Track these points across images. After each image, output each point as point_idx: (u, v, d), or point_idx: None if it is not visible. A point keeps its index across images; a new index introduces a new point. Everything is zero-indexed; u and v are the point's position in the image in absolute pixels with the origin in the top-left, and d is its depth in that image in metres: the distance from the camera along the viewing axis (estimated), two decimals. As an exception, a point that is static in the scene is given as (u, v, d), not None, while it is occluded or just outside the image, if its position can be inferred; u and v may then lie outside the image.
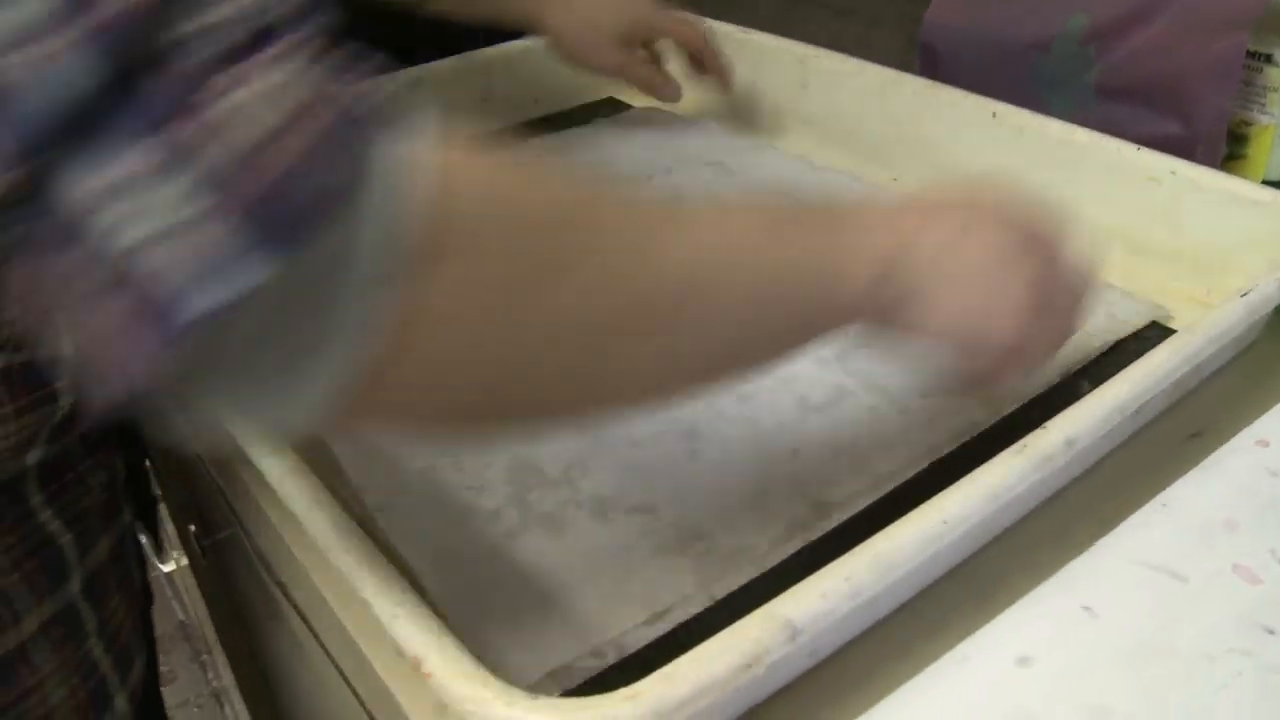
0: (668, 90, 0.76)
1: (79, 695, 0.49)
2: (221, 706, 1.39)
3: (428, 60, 0.78)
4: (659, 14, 0.75)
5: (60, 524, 0.48)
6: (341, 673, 0.46)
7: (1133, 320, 0.54)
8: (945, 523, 0.37)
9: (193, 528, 0.66)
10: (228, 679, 1.29)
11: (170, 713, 0.70)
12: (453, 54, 0.80)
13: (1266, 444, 0.46)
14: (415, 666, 0.33)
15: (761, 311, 0.36)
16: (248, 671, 0.84)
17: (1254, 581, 0.40)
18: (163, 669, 1.45)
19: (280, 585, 0.52)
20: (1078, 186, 0.62)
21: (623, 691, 0.31)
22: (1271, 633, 0.38)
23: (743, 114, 0.79)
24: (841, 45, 0.75)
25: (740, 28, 0.80)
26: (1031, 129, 0.63)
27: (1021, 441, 0.40)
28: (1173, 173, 0.58)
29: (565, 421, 0.38)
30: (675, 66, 0.78)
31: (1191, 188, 0.57)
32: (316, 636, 0.48)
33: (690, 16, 0.76)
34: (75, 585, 0.49)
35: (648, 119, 0.80)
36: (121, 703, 0.52)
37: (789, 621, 0.33)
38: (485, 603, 0.41)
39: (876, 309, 0.38)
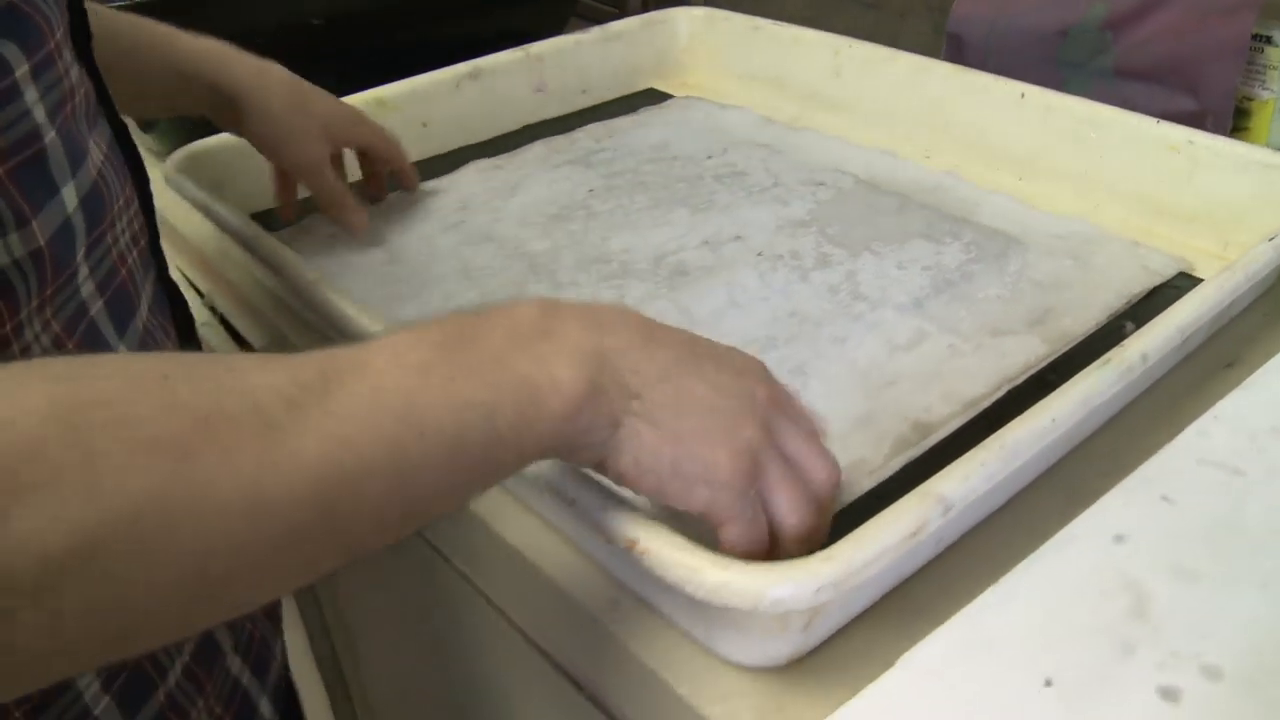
0: (357, 218, 0.67)
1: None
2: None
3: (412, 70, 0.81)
4: (357, 124, 0.69)
5: None
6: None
7: (1164, 271, 0.62)
8: (1053, 421, 0.43)
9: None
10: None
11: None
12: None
13: (1297, 367, 0.54)
14: (630, 547, 0.39)
15: (439, 472, 0.33)
16: (322, 644, 0.89)
17: (1302, 473, 0.47)
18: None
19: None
20: (1103, 158, 0.69)
21: (819, 555, 0.37)
22: (1322, 511, 0.45)
23: (777, 102, 0.86)
24: (870, 37, 0.82)
25: (773, 20, 0.86)
26: (1058, 108, 0.70)
27: (1105, 356, 0.47)
28: (1190, 142, 0.65)
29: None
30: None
31: (1208, 154, 0.65)
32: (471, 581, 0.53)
33: (384, 131, 0.71)
34: None
35: (688, 106, 0.86)
36: (265, 706, 0.52)
37: (943, 497, 0.39)
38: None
39: (581, 430, 0.36)
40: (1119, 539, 0.44)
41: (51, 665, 0.27)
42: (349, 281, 0.63)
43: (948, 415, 0.51)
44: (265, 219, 0.73)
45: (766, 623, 0.39)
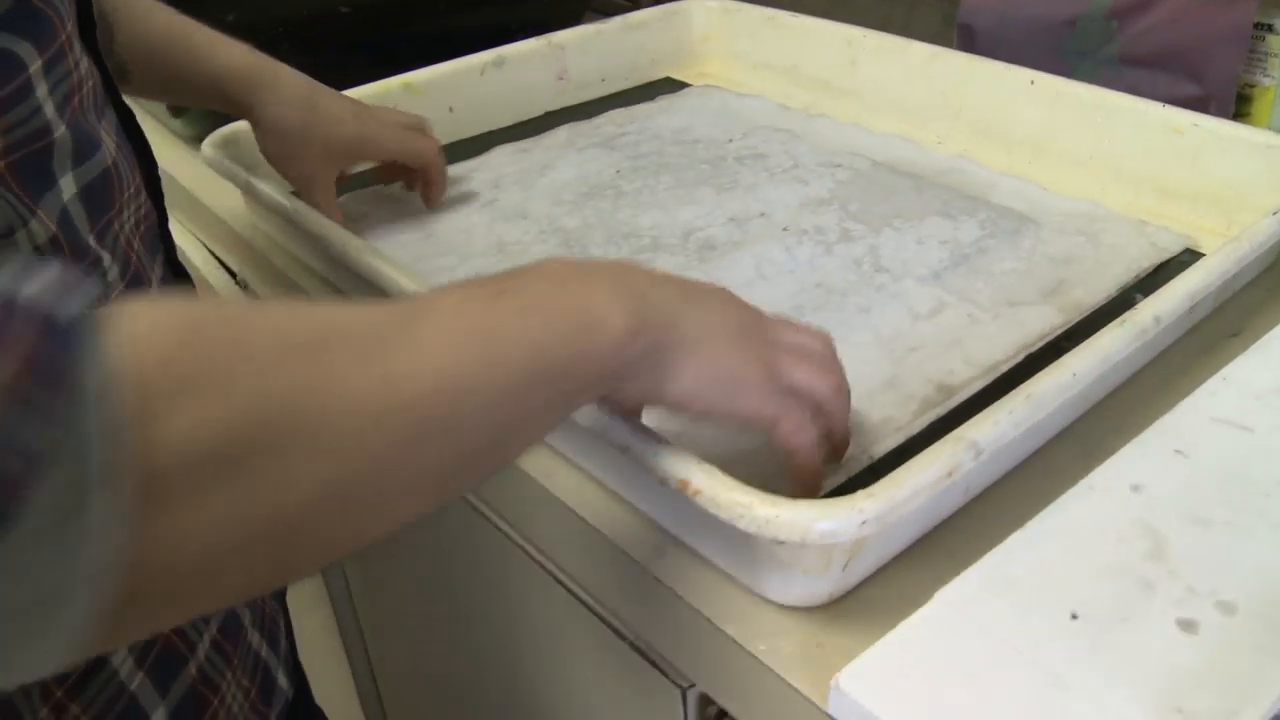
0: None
1: (252, 693, 0.50)
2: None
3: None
4: (363, 144, 0.68)
5: None
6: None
7: (1171, 247, 0.64)
8: (1074, 375, 0.46)
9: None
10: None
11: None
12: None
13: (1298, 334, 0.56)
14: (683, 488, 0.41)
15: (523, 393, 0.35)
16: (346, 614, 0.91)
17: (1307, 429, 0.50)
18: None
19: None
20: (1110, 142, 0.72)
21: (861, 492, 0.39)
22: (1327, 463, 0.48)
23: (792, 91, 0.89)
24: (882, 28, 0.84)
25: (789, 12, 0.89)
26: (1066, 94, 0.73)
27: (1121, 318, 0.49)
28: (1195, 125, 0.68)
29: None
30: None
31: (1211, 137, 0.67)
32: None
33: (403, 147, 0.70)
34: None
35: (706, 94, 0.88)
36: (283, 679, 0.54)
37: (974, 441, 0.42)
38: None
39: (633, 361, 0.38)
40: (1136, 488, 0.47)
41: (199, 588, 0.28)
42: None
43: (969, 378, 0.54)
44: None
45: (810, 560, 0.41)
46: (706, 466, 0.41)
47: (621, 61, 0.91)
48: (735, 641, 0.43)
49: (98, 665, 0.43)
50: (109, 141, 0.45)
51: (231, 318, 0.29)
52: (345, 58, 0.72)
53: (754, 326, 0.43)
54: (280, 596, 0.58)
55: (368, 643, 0.92)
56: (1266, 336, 0.57)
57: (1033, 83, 0.75)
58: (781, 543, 0.39)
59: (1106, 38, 0.75)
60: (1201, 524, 0.45)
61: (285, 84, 0.66)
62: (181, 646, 0.46)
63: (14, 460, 0.22)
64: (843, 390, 0.45)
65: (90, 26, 0.46)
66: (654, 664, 0.50)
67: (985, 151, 0.78)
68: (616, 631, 0.52)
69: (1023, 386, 0.45)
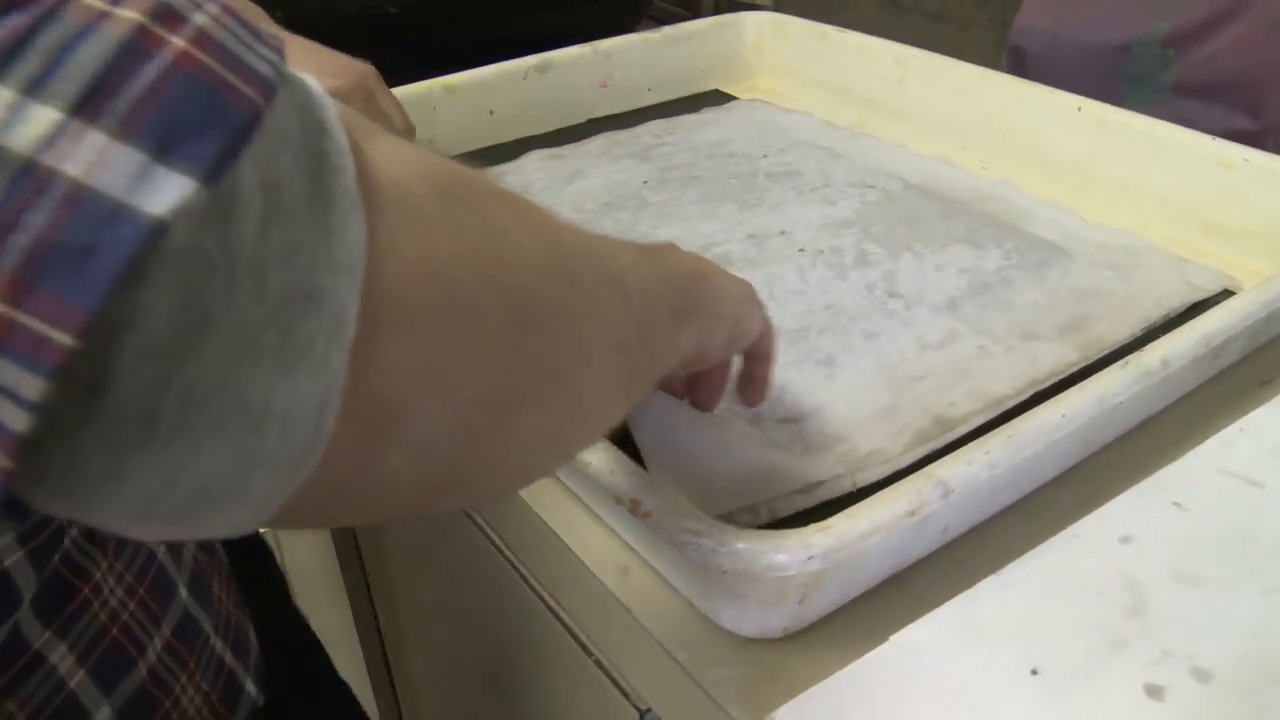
0: None
1: (213, 697, 0.50)
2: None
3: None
4: (358, 97, 0.67)
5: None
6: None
7: (1207, 287, 0.61)
8: (1064, 416, 0.44)
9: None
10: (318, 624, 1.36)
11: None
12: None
13: (1331, 386, 0.53)
14: (634, 508, 0.40)
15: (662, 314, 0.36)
16: (363, 612, 0.92)
17: (1322, 489, 0.47)
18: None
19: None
20: (1157, 173, 0.69)
21: (815, 525, 0.38)
22: (1338, 526, 0.45)
23: (840, 108, 0.87)
24: (933, 48, 0.82)
25: (838, 28, 0.87)
26: (1113, 122, 0.70)
27: (1125, 359, 0.47)
28: (1245, 160, 0.65)
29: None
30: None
31: (1262, 173, 0.64)
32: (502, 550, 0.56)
33: (402, 114, 0.71)
34: (183, 592, 0.49)
35: (752, 108, 0.87)
36: (251, 686, 0.53)
37: (943, 480, 0.40)
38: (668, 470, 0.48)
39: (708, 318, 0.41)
40: (1125, 540, 0.45)
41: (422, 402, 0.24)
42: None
43: (970, 412, 0.52)
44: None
45: (763, 591, 0.40)
46: (662, 489, 0.40)
47: (669, 72, 0.91)
48: (684, 669, 0.42)
49: (35, 661, 0.42)
50: None
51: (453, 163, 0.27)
52: (392, 58, 0.72)
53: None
54: (244, 610, 0.57)
55: (385, 643, 0.93)
56: (1295, 387, 0.54)
57: (1079, 109, 0.72)
58: (726, 572, 0.38)
59: (1162, 65, 0.72)
60: (1189, 582, 0.43)
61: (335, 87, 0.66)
62: (130, 648, 0.46)
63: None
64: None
65: None
66: (616, 684, 0.49)
67: (1029, 177, 0.75)
68: (584, 648, 0.51)
69: (1006, 426, 0.43)
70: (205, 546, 0.54)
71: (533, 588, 0.55)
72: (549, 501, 0.50)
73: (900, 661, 0.40)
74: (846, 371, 0.54)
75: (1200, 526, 0.45)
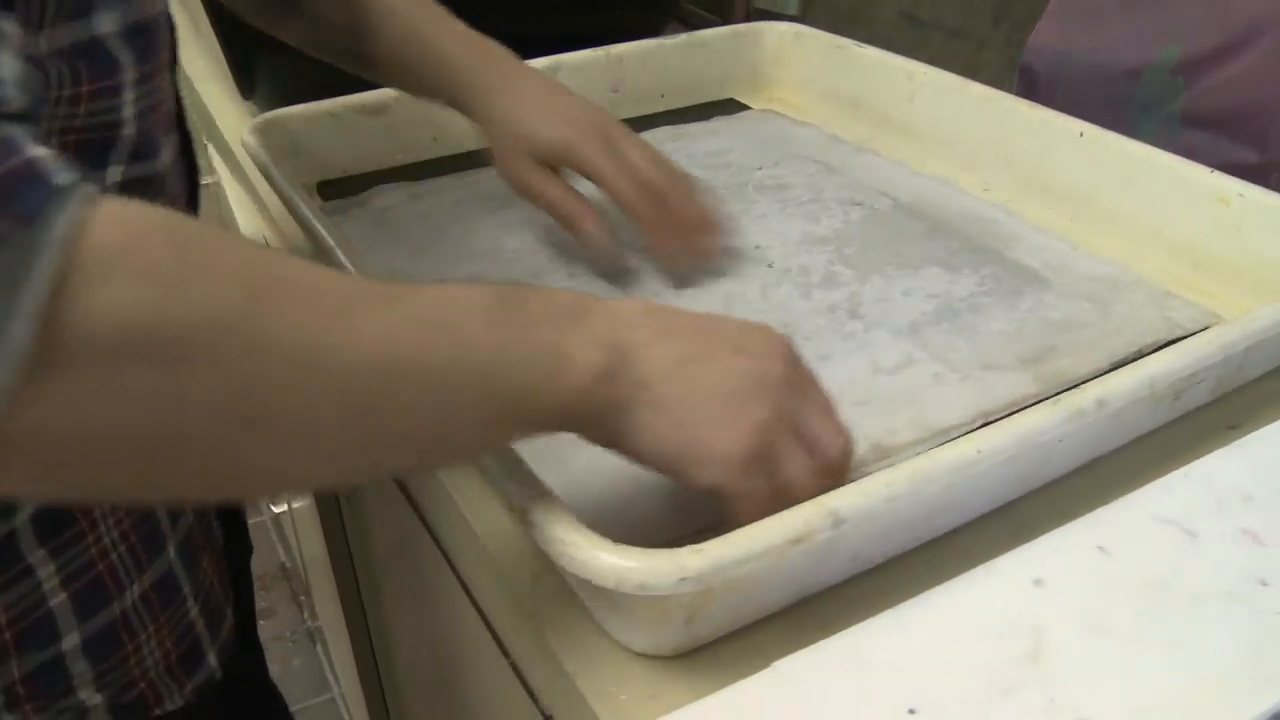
0: (585, 226, 0.62)
1: (172, 656, 0.52)
2: (314, 643, 1.50)
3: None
4: (568, 150, 0.61)
5: None
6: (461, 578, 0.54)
7: (1188, 325, 0.59)
8: (979, 452, 0.43)
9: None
10: (324, 617, 1.39)
11: (266, 644, 0.77)
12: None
13: (1296, 435, 0.51)
14: (520, 517, 0.40)
15: (465, 401, 0.35)
16: (352, 605, 0.93)
17: (1259, 543, 0.45)
18: (262, 605, 1.56)
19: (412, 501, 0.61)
20: (1154, 204, 0.67)
21: (689, 547, 0.38)
22: (1265, 584, 0.43)
23: (851, 123, 0.86)
24: (952, 65, 0.81)
25: (855, 42, 0.86)
26: (1114, 148, 0.68)
27: (1057, 396, 0.46)
28: (1241, 195, 0.62)
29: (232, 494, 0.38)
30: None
31: (1257, 210, 0.62)
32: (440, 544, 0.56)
33: (651, 159, 0.62)
34: (171, 552, 0.52)
35: (763, 119, 0.86)
36: (213, 659, 0.55)
37: (834, 510, 0.40)
38: (574, 496, 0.47)
39: (593, 411, 0.39)
40: (1038, 582, 0.43)
41: (95, 459, 0.29)
42: (386, 250, 0.67)
43: (910, 441, 0.51)
44: (337, 185, 0.78)
45: (646, 609, 0.40)
46: (551, 499, 0.40)
47: (683, 79, 0.91)
48: (570, 679, 0.42)
49: (25, 573, 0.46)
50: (167, 155, 0.49)
51: (217, 237, 0.31)
52: None
53: (767, 392, 0.40)
54: (226, 585, 0.59)
55: (374, 645, 0.94)
56: (1258, 434, 0.52)
57: (1081, 134, 0.70)
58: (596, 588, 0.38)
59: (1172, 94, 0.69)
60: (1094, 631, 0.41)
61: (517, 85, 0.63)
62: (110, 585, 0.49)
63: None
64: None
65: (174, 62, 0.51)
66: (526, 687, 0.49)
67: (1028, 202, 0.74)
68: (503, 650, 0.51)
69: (914, 459, 0.42)
70: (204, 524, 0.56)
71: (465, 588, 0.55)
72: (475, 503, 0.50)
73: (776, 688, 0.39)
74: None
75: (1120, 573, 0.44)
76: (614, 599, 0.40)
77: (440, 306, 0.36)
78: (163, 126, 0.48)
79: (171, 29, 0.49)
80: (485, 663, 0.55)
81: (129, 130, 0.44)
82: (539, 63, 0.85)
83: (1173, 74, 0.69)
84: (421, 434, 0.36)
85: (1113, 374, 0.47)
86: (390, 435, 0.35)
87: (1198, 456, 0.51)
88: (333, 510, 0.89)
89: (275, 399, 0.31)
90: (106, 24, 0.41)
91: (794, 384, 0.42)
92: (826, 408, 0.43)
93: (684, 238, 0.62)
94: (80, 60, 0.40)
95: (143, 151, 0.46)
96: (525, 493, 0.41)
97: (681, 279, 0.63)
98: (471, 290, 0.37)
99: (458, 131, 0.82)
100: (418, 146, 0.82)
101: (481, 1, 0.81)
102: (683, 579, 0.37)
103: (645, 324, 0.40)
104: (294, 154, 0.78)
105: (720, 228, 0.63)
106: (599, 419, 0.39)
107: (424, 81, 0.65)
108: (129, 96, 0.44)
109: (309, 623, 1.53)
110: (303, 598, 1.55)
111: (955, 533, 0.48)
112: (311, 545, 1.15)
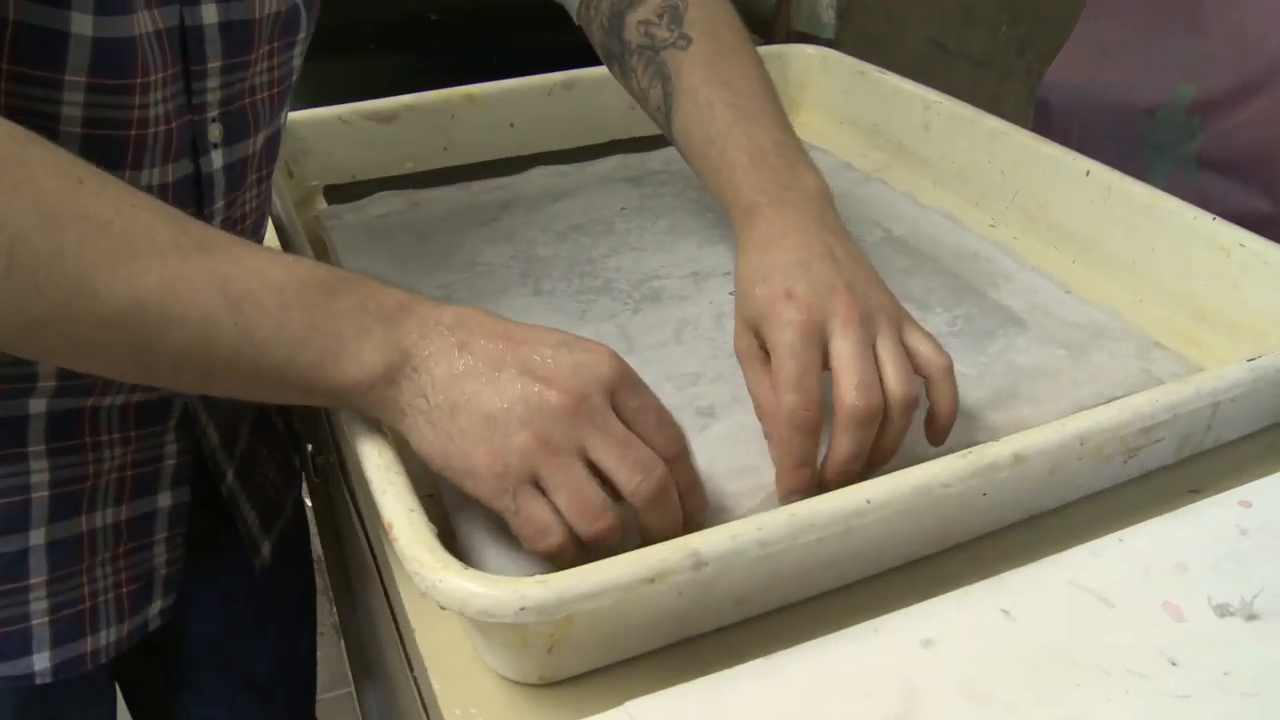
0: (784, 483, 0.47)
1: (124, 591, 0.55)
2: (340, 637, 1.52)
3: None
4: (779, 328, 0.47)
5: None
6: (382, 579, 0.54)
7: (1165, 380, 0.56)
8: (868, 501, 0.41)
9: (310, 446, 0.76)
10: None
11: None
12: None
13: (1249, 505, 0.47)
14: (389, 529, 0.40)
15: (234, 359, 0.39)
16: (342, 601, 0.94)
17: (1178, 620, 0.42)
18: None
19: (353, 496, 0.61)
20: (1154, 250, 0.64)
21: (536, 577, 0.37)
22: (1174, 664, 0.40)
23: (868, 150, 0.84)
24: (976, 94, 0.78)
25: (876, 68, 0.84)
26: (1119, 189, 0.65)
27: (969, 448, 0.43)
28: (1241, 245, 0.58)
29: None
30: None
31: (1257, 262, 0.58)
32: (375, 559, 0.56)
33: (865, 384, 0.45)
34: (165, 497, 0.56)
35: (778, 143, 0.85)
36: (156, 609, 0.57)
37: (695, 551, 0.38)
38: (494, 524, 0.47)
39: (372, 407, 0.42)
40: (927, 643, 0.41)
41: None
42: (368, 257, 0.68)
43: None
44: (345, 190, 0.79)
45: (504, 634, 0.39)
46: (415, 515, 0.40)
47: (705, 99, 0.89)
48: (435, 696, 0.42)
49: (17, 458, 0.50)
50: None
51: (48, 163, 0.37)
52: (431, 63, 0.75)
53: (537, 418, 0.39)
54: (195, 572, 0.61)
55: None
56: (1210, 500, 0.48)
57: (1088, 173, 0.67)
58: (443, 609, 0.38)
59: (1188, 134, 0.66)
60: (975, 699, 0.39)
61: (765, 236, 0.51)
62: (84, 500, 0.52)
63: None
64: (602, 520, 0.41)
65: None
66: (421, 699, 0.49)
67: (1032, 240, 0.71)
68: (408, 661, 0.51)
69: (797, 504, 0.41)
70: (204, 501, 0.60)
71: (388, 599, 0.55)
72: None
73: (621, 730, 0.38)
74: (723, 423, 0.52)
75: (1020, 640, 0.41)
76: (473, 622, 0.40)
77: (240, 271, 0.39)
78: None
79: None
80: (401, 677, 0.55)
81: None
82: (556, 76, 0.85)
83: (1189, 113, 0.65)
84: (183, 376, 0.40)
85: (1036, 429, 0.45)
86: (153, 369, 0.40)
87: (1147, 519, 0.48)
88: (326, 507, 0.91)
89: (49, 315, 0.37)
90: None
91: (582, 413, 0.40)
92: (624, 439, 0.41)
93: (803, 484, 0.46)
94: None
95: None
96: (395, 506, 0.41)
97: (648, 299, 0.62)
98: (297, 268, 0.41)
99: (469, 142, 0.84)
100: (429, 155, 0.83)
101: (501, 14, 0.82)
102: (522, 608, 0.36)
103: (450, 335, 0.41)
104: (304, 156, 0.79)
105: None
106: (381, 412, 0.42)
107: (710, 189, 0.59)
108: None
109: (334, 616, 1.54)
110: (332, 592, 1.57)
111: (868, 583, 0.46)
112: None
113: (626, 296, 0.62)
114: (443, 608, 0.38)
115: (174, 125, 0.48)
